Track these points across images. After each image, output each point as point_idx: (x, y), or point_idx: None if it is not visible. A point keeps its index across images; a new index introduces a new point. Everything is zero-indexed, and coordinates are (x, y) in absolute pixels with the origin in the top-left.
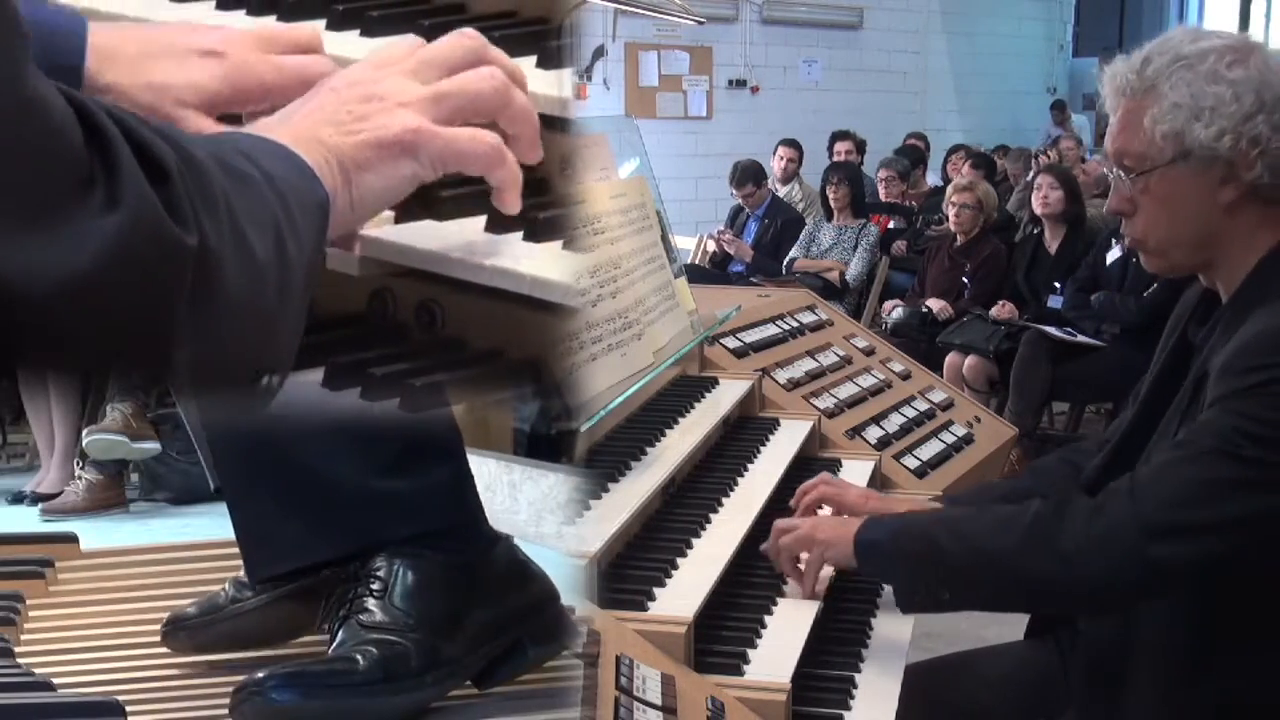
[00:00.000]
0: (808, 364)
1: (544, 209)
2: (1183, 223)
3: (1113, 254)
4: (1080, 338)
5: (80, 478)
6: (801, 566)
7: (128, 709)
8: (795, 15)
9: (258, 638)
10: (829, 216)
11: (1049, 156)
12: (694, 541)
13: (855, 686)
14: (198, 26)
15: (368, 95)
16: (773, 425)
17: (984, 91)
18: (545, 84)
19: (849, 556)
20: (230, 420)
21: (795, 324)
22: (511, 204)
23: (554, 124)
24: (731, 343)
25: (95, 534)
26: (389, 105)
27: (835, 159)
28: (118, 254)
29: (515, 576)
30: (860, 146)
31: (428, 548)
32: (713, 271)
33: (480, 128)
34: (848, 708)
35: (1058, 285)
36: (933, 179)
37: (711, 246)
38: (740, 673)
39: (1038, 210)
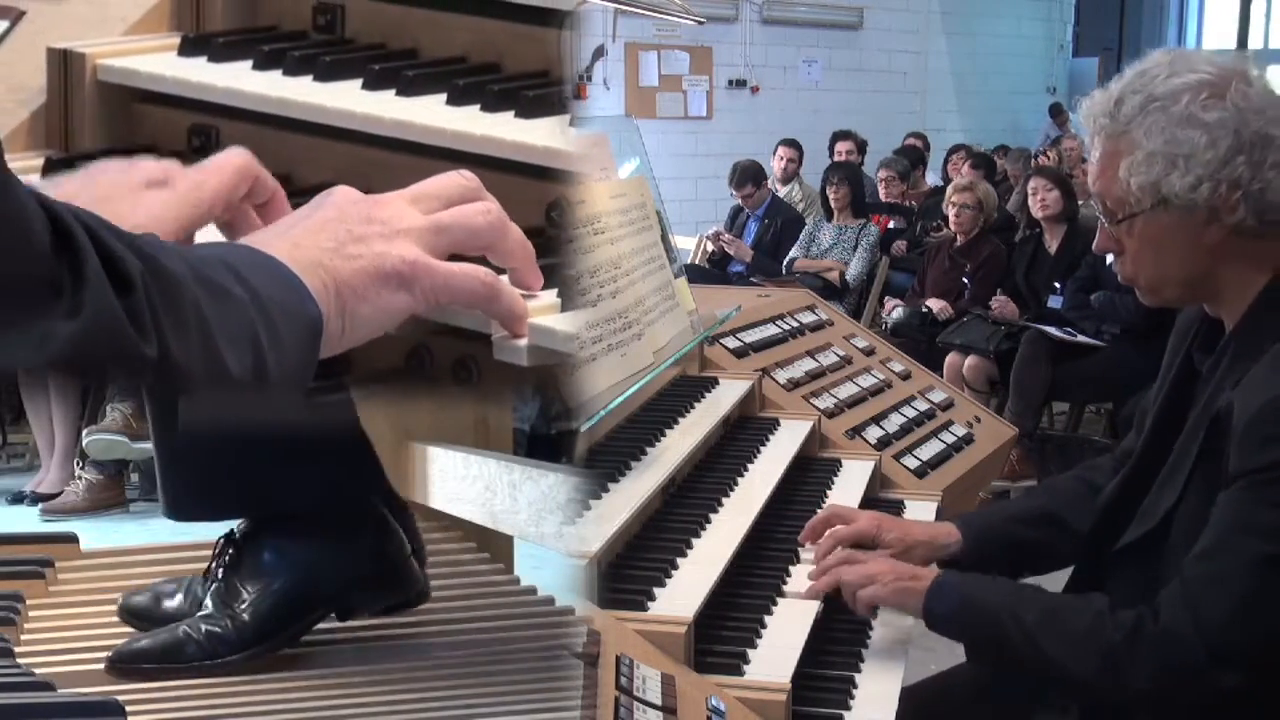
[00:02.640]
0: (808, 364)
1: (538, 258)
2: (1170, 263)
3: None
4: (1080, 338)
5: (80, 478)
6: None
7: (128, 709)
8: (795, 15)
9: None
10: (829, 216)
11: (1049, 157)
12: (694, 541)
13: (855, 687)
14: (133, 163)
15: (369, 217)
16: (773, 425)
17: (984, 91)
18: (532, 133)
19: (917, 613)
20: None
21: (795, 324)
22: (519, 332)
23: (543, 173)
24: (731, 343)
25: (95, 534)
26: (389, 230)
27: (835, 159)
28: (75, 358)
29: (374, 546)
30: (860, 146)
31: (296, 525)
32: (713, 271)
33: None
34: (848, 708)
35: (1058, 285)
36: (932, 179)
37: (711, 246)
38: (740, 673)
39: (1036, 214)
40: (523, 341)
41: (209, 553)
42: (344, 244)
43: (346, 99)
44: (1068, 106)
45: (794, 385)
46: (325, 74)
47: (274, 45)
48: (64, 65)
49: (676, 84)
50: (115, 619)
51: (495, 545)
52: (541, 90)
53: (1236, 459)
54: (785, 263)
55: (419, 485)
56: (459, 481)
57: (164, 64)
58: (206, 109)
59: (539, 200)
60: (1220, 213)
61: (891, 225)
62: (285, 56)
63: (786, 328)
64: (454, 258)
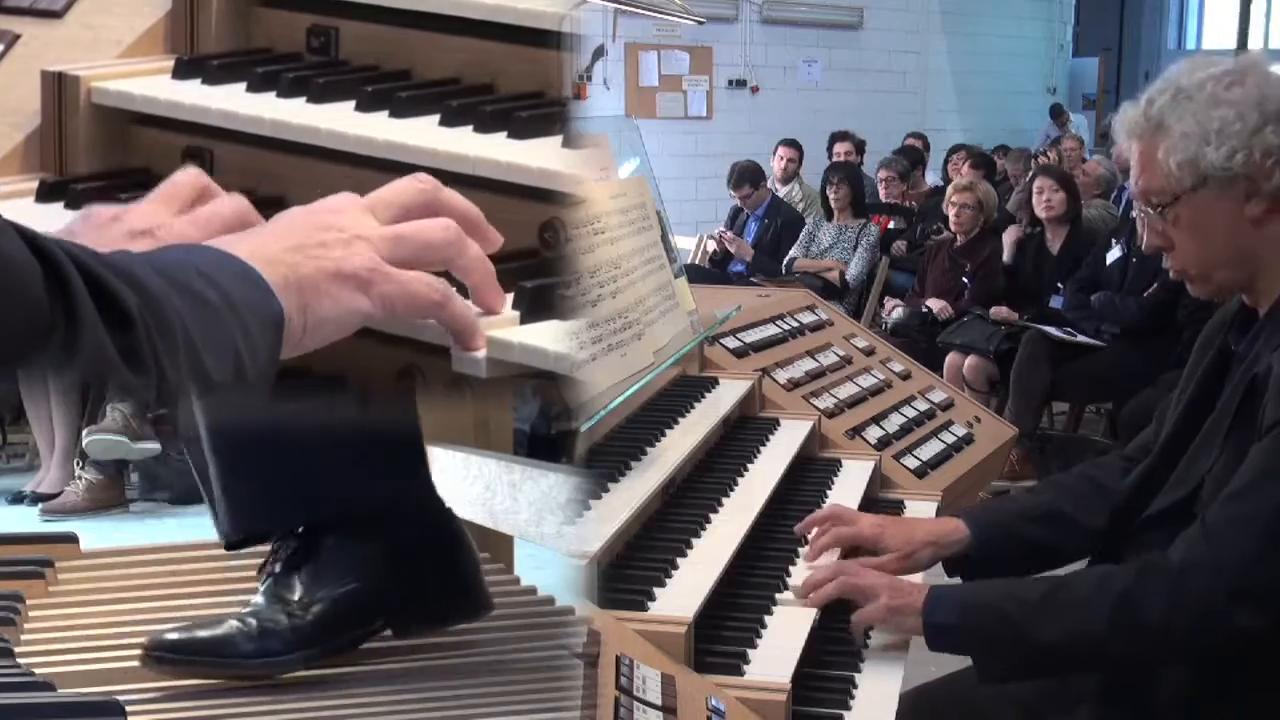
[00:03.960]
0: (808, 364)
1: (531, 279)
2: (1217, 245)
3: (1113, 254)
4: (1080, 338)
5: (80, 478)
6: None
7: (128, 709)
8: (795, 15)
9: None
10: (829, 216)
11: (1049, 157)
12: (694, 541)
13: (855, 687)
14: (116, 213)
15: (327, 225)
16: (773, 425)
17: (984, 91)
18: (525, 154)
19: (916, 631)
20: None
21: (795, 324)
22: (473, 344)
23: (536, 194)
24: (731, 343)
25: (95, 534)
26: (347, 236)
27: (835, 159)
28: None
29: (438, 557)
30: (860, 146)
31: (358, 529)
32: (713, 271)
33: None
34: (848, 708)
35: (1059, 285)
36: (932, 179)
37: (712, 246)
38: (740, 673)
39: (1040, 213)
40: (481, 353)
41: (209, 553)
42: (304, 246)
43: (340, 121)
44: (1068, 106)
45: (794, 385)
46: (319, 96)
47: (268, 67)
48: (59, 88)
49: (676, 84)
50: (115, 619)
51: (495, 545)
52: (535, 111)
53: (1271, 411)
54: (785, 263)
55: None
56: (459, 481)
57: (159, 86)
58: (201, 131)
59: (532, 221)
60: (1258, 181)
61: (891, 225)
62: (279, 78)
63: (786, 328)
64: None
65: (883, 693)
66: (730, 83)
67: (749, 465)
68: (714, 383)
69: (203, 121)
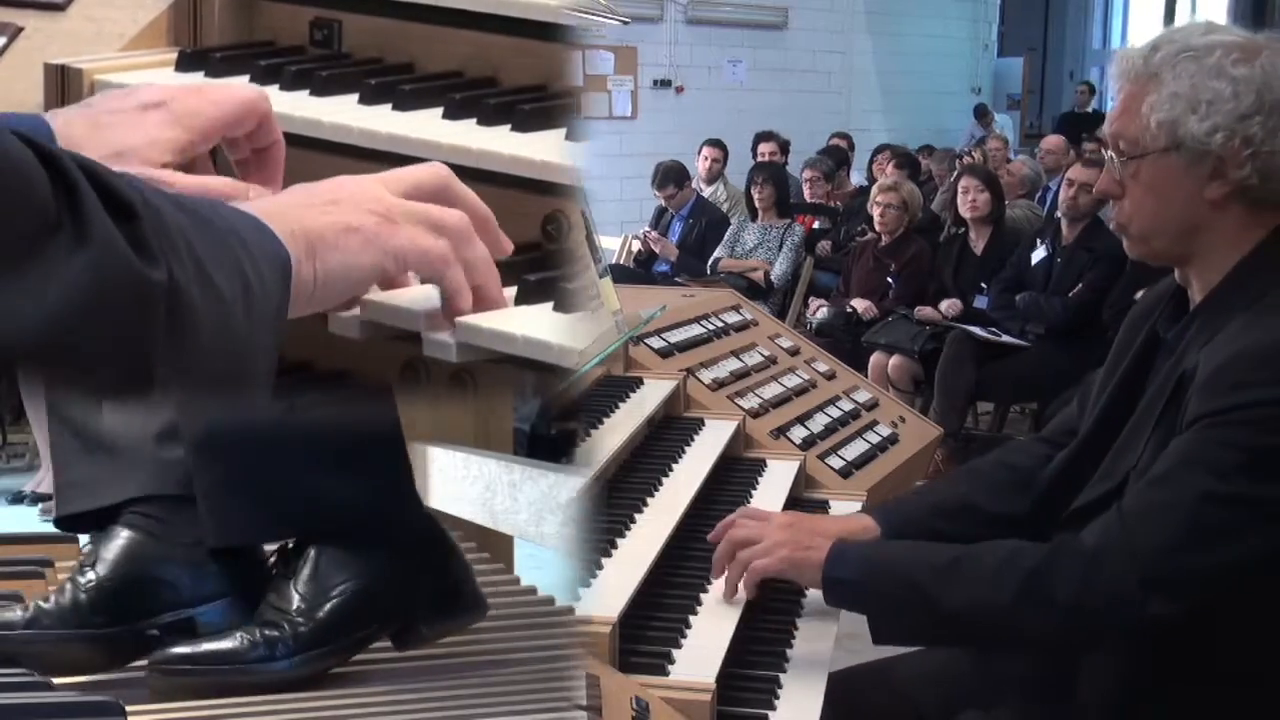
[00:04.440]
0: (732, 364)
1: (533, 272)
2: (1167, 212)
3: (1037, 254)
4: (1005, 338)
5: None
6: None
7: (127, 709)
8: (720, 15)
9: (51, 668)
10: (754, 216)
11: (974, 157)
12: (619, 541)
13: (780, 686)
14: (130, 89)
15: (338, 185)
16: (698, 425)
17: (908, 91)
18: (528, 147)
19: (815, 584)
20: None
21: (720, 324)
22: (463, 308)
23: (539, 187)
24: (656, 343)
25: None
26: (359, 201)
27: (760, 159)
28: (88, 292)
29: (431, 564)
30: (785, 146)
31: (351, 538)
32: (637, 271)
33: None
34: (772, 707)
35: (984, 285)
36: (857, 179)
37: (637, 246)
38: (665, 673)
39: (965, 213)
40: (450, 337)
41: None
42: (312, 204)
43: (343, 114)
44: (992, 106)
45: (719, 385)
46: (322, 88)
47: (271, 60)
48: (61, 81)
49: (601, 84)
50: None
51: (495, 545)
52: (538, 104)
53: (1196, 405)
54: (710, 263)
55: (419, 485)
56: (459, 481)
57: (161, 79)
58: None
59: (535, 214)
60: (1227, 167)
61: (816, 225)
62: (282, 71)
63: (711, 328)
64: None
65: (807, 692)
66: (655, 83)
67: (674, 465)
68: (639, 383)
69: None
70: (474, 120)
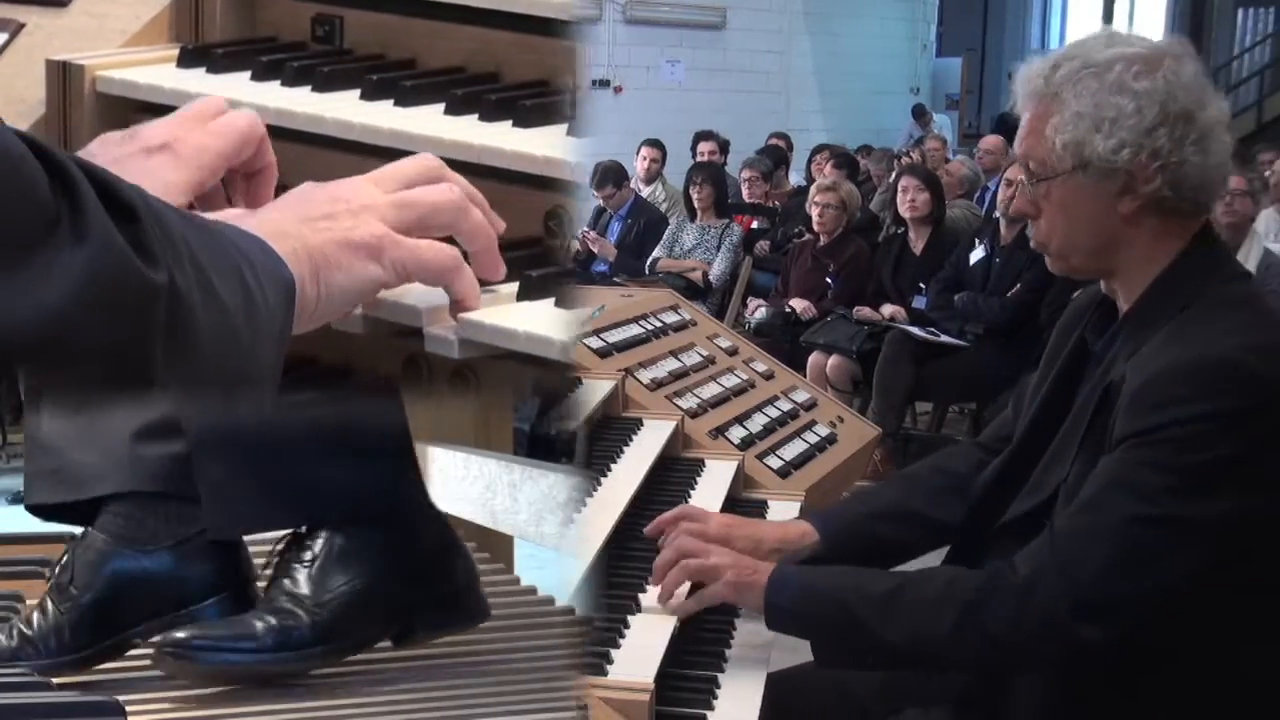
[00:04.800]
0: (671, 364)
1: (536, 267)
2: (1082, 230)
3: (976, 254)
4: (944, 338)
5: None
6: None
7: (127, 709)
8: (658, 15)
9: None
10: (692, 216)
11: (912, 157)
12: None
13: (719, 686)
14: (129, 133)
15: (333, 197)
16: (636, 425)
17: (847, 91)
18: (530, 142)
19: (758, 608)
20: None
21: (658, 324)
22: (472, 307)
23: (541, 182)
24: (594, 343)
25: None
26: (354, 207)
27: (698, 159)
28: (85, 289)
29: (439, 560)
30: (723, 147)
31: (360, 527)
32: (576, 271)
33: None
34: (711, 707)
35: (923, 286)
36: (796, 179)
37: (575, 246)
38: (604, 672)
39: (904, 213)
40: (452, 334)
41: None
42: (312, 219)
43: (345, 109)
44: (931, 106)
45: (657, 385)
46: (323, 84)
47: (272, 56)
48: (63, 77)
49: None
50: None
51: (495, 545)
52: (539, 100)
53: (1122, 424)
54: (649, 263)
55: None
56: (459, 481)
57: (163, 75)
58: None
59: (538, 209)
60: (1137, 182)
61: (755, 225)
62: (284, 67)
63: (650, 328)
64: None
65: (746, 692)
66: (594, 83)
67: (612, 465)
68: (578, 383)
69: None
70: (476, 116)
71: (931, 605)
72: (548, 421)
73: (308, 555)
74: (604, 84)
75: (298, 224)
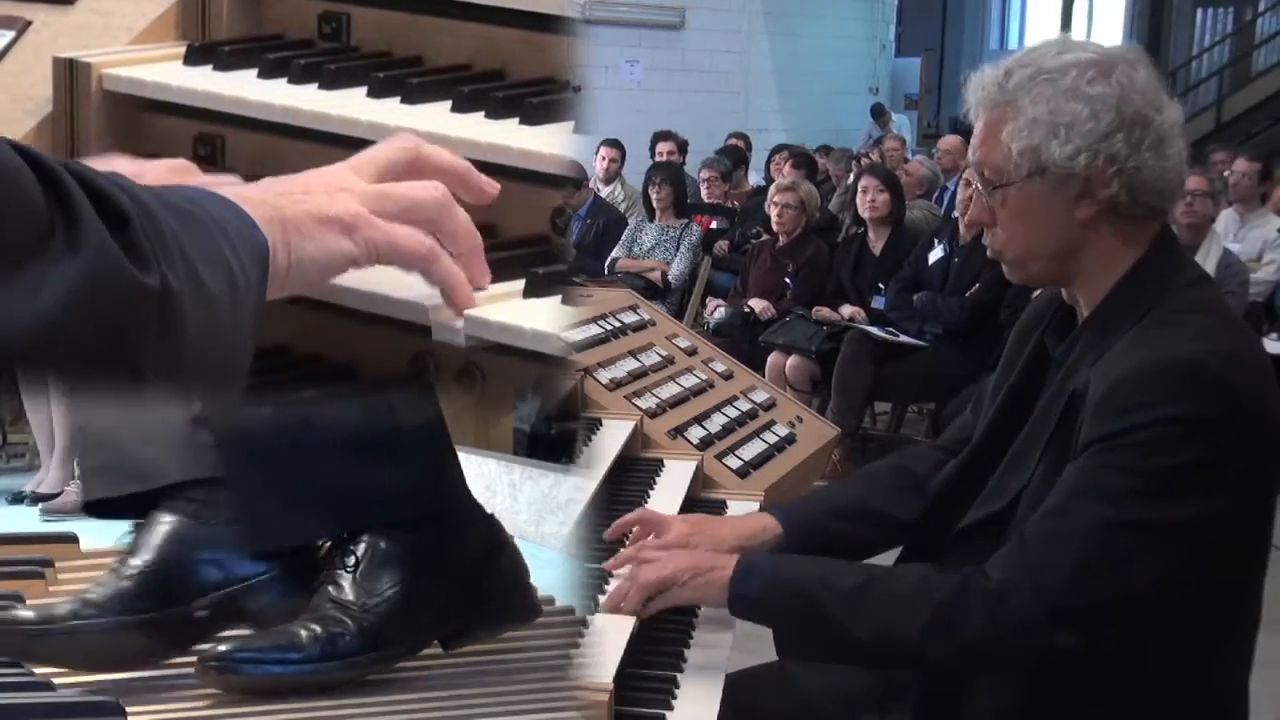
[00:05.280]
0: (630, 364)
1: (543, 264)
2: (1040, 237)
3: (935, 254)
4: (903, 338)
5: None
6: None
7: (127, 709)
8: (617, 15)
9: (100, 660)
10: (651, 216)
11: (871, 158)
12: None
13: (678, 686)
14: (141, 168)
15: (311, 179)
16: (595, 425)
17: (806, 92)
18: (536, 140)
19: (721, 604)
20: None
21: (617, 324)
22: (464, 301)
23: (548, 180)
24: None
25: (95, 534)
26: (332, 188)
27: (657, 159)
28: (81, 297)
29: (486, 560)
30: (682, 147)
31: (403, 530)
32: None
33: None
34: (670, 708)
35: (882, 286)
36: (755, 179)
37: None
38: None
39: (864, 213)
40: (459, 323)
41: None
42: (288, 193)
43: (352, 107)
44: (890, 106)
45: (616, 385)
46: (330, 82)
47: (279, 53)
48: (70, 75)
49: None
50: None
51: None
52: (545, 97)
53: (1088, 429)
54: (608, 262)
55: None
56: None
57: (170, 73)
58: (212, 118)
59: (545, 207)
60: (1094, 187)
61: (714, 225)
62: (290, 65)
63: (609, 327)
64: None
65: (705, 693)
66: None
67: (571, 465)
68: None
69: (214, 108)
70: (482, 114)
71: (903, 604)
72: (549, 420)
73: (351, 561)
74: None
75: (275, 196)
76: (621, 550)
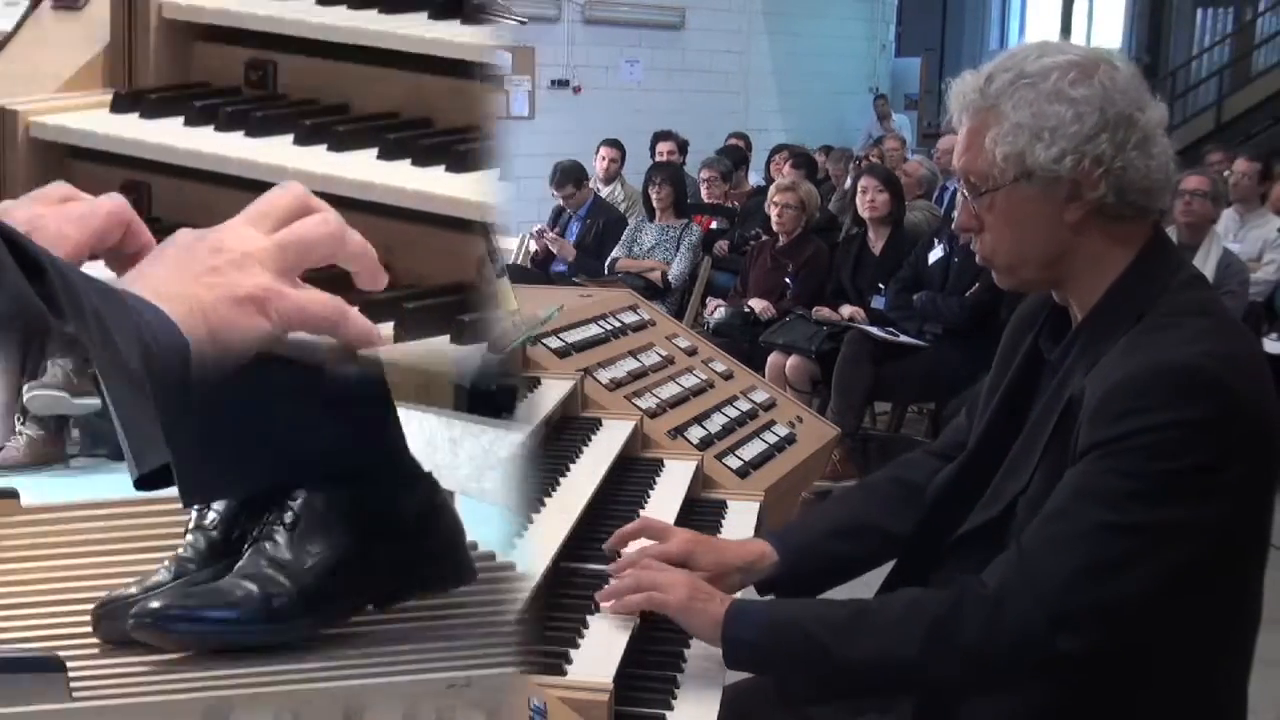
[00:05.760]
0: (630, 364)
1: (466, 312)
2: (1029, 241)
3: (934, 254)
4: (902, 338)
5: (21, 433)
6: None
7: (69, 664)
8: (617, 15)
9: None
10: (651, 217)
11: (871, 159)
12: (517, 541)
13: (678, 686)
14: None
15: (215, 248)
16: (595, 425)
17: (806, 92)
18: (463, 187)
19: (704, 638)
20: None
21: (618, 324)
22: (372, 343)
23: (473, 227)
24: (554, 342)
25: (36, 490)
26: (238, 257)
27: (657, 159)
28: None
29: (424, 520)
30: (682, 147)
31: (341, 487)
32: (535, 271)
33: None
34: (670, 708)
35: (882, 286)
36: (755, 179)
37: (534, 246)
38: (563, 673)
39: (864, 214)
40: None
41: (150, 509)
42: (200, 275)
43: (278, 154)
44: (890, 106)
45: (616, 385)
46: (257, 129)
47: (206, 101)
48: None
49: (499, 84)
50: (56, 574)
51: None
52: (472, 145)
53: (1086, 435)
54: (608, 263)
55: None
56: None
57: (97, 121)
58: (139, 165)
59: (471, 254)
60: (1082, 188)
61: (714, 225)
62: (217, 112)
63: (609, 328)
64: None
65: (705, 693)
66: (553, 83)
67: (571, 465)
68: (536, 383)
69: (141, 155)
70: (409, 161)
71: (897, 625)
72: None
73: (288, 516)
74: (563, 84)
75: (187, 282)
76: (622, 555)
